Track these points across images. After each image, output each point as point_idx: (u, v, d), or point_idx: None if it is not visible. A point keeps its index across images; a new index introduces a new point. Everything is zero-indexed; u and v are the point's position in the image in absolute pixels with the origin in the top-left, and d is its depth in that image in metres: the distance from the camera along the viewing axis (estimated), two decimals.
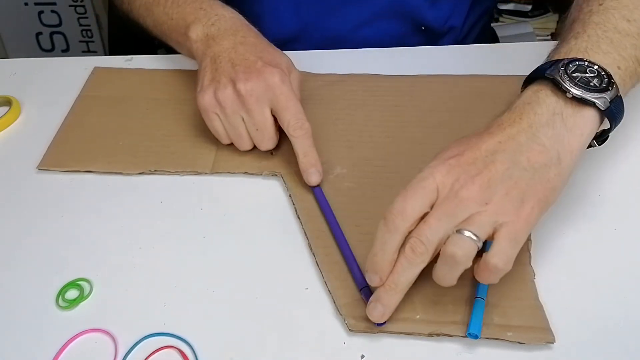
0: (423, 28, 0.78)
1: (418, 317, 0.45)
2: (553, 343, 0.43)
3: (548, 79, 0.45)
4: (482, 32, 0.87)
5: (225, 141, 0.59)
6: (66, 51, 1.74)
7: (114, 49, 1.00)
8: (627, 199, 0.54)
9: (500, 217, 0.41)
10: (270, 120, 0.56)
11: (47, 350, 0.46)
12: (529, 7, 1.63)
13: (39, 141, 0.62)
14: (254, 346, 0.45)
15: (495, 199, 0.42)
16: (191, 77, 0.68)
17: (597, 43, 0.47)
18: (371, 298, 0.44)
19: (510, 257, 0.41)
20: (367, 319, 0.45)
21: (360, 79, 0.67)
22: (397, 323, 0.45)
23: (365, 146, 0.59)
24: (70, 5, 1.66)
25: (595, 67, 0.46)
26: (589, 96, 0.44)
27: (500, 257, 0.41)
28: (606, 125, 0.47)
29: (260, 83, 0.55)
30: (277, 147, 0.59)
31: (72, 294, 0.49)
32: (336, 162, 0.58)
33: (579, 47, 0.47)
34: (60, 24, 1.70)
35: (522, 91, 0.48)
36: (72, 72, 0.71)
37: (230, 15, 0.62)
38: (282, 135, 0.58)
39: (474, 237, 0.41)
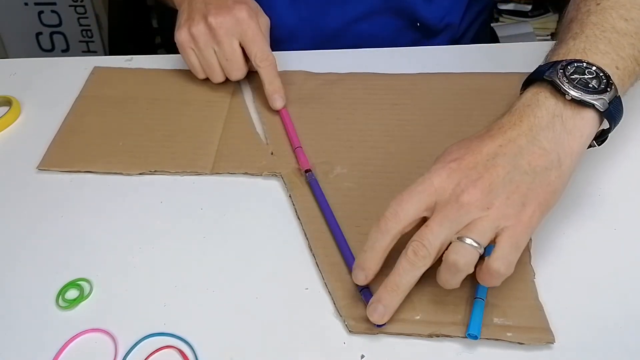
0: (418, 24, 0.79)
1: (418, 317, 0.45)
2: (553, 343, 0.43)
3: (547, 81, 0.45)
4: (480, 30, 0.87)
5: (201, 75, 0.66)
6: (66, 51, 1.74)
7: (114, 49, 1.00)
8: (627, 199, 0.54)
9: (502, 222, 0.41)
10: (239, 51, 0.63)
11: (47, 350, 0.46)
12: (529, 7, 1.63)
13: (39, 141, 0.62)
14: (254, 346, 0.45)
15: (497, 204, 0.42)
16: (191, 77, 0.68)
17: (595, 43, 0.47)
18: (372, 299, 0.44)
19: (512, 261, 0.41)
20: (367, 320, 0.45)
21: (360, 77, 0.67)
22: (397, 324, 0.45)
23: (365, 146, 0.59)
24: (70, 5, 1.66)
25: (594, 68, 0.46)
26: (588, 98, 0.44)
27: (501, 262, 0.41)
28: (606, 125, 0.47)
29: (230, 17, 0.62)
30: (277, 147, 0.59)
31: (72, 294, 0.49)
32: (336, 162, 0.58)
33: (577, 47, 0.47)
34: (60, 24, 1.70)
35: (521, 92, 0.48)
36: (72, 72, 0.71)
37: None
38: (281, 136, 0.58)
39: (475, 244, 0.41)
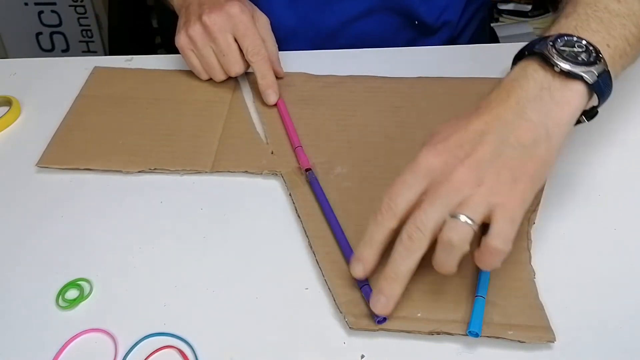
0: (416, 22, 0.79)
1: (418, 315, 0.45)
2: (553, 342, 0.43)
3: (536, 54, 0.46)
4: (479, 28, 0.87)
5: (204, 76, 0.67)
6: (66, 51, 1.74)
7: (114, 49, 1.00)
8: (627, 198, 0.54)
9: (494, 198, 0.41)
10: (234, 45, 0.64)
11: (47, 350, 0.45)
12: (529, 7, 1.63)
13: (38, 141, 0.62)
14: (254, 346, 0.45)
15: (487, 180, 0.42)
16: (191, 77, 0.68)
17: (587, 21, 0.48)
18: (373, 291, 0.44)
19: (509, 237, 0.41)
20: (368, 317, 0.45)
21: (360, 80, 0.67)
22: (398, 321, 0.45)
23: (365, 146, 0.59)
24: (70, 5, 1.66)
25: (584, 42, 0.46)
26: (576, 70, 0.44)
27: (499, 238, 0.41)
28: (595, 102, 0.47)
29: (222, 14, 0.63)
30: (278, 147, 0.59)
31: (72, 294, 0.49)
32: (336, 162, 0.58)
33: (568, 25, 0.48)
34: (60, 24, 1.70)
35: (511, 69, 0.48)
36: (72, 72, 0.71)
37: None
38: (281, 135, 0.58)
39: (469, 221, 0.41)
